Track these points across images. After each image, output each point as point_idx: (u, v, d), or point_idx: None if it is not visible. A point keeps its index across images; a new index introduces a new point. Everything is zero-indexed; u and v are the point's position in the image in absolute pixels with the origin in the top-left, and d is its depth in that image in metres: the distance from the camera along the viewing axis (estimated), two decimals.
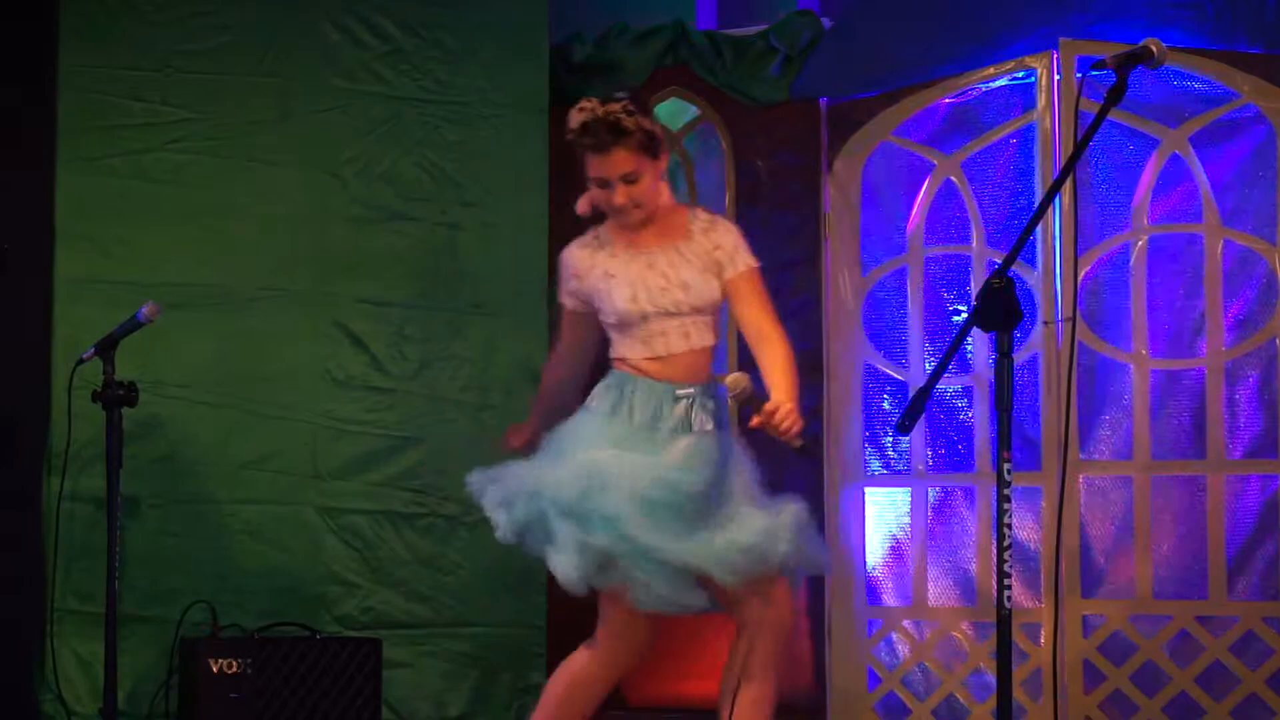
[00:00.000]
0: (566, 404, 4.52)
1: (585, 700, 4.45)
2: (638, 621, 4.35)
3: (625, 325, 4.39)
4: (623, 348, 4.42)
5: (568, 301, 4.53)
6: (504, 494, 4.32)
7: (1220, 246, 5.68)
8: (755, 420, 4.12)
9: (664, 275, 4.36)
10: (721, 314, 4.49)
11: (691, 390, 4.34)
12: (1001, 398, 3.29)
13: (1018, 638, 5.51)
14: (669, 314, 4.35)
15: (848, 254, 6.14)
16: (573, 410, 4.45)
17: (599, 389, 4.42)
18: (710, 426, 4.33)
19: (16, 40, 5.92)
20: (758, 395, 4.14)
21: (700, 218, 4.45)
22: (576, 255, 4.49)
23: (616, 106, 4.29)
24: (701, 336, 4.39)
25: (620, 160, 4.30)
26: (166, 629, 5.79)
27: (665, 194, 4.43)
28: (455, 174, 6.29)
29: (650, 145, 4.33)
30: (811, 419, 6.14)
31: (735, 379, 4.13)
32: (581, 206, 4.47)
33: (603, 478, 4.19)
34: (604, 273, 4.41)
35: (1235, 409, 5.67)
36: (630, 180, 4.31)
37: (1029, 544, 5.78)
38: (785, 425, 4.11)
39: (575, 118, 4.32)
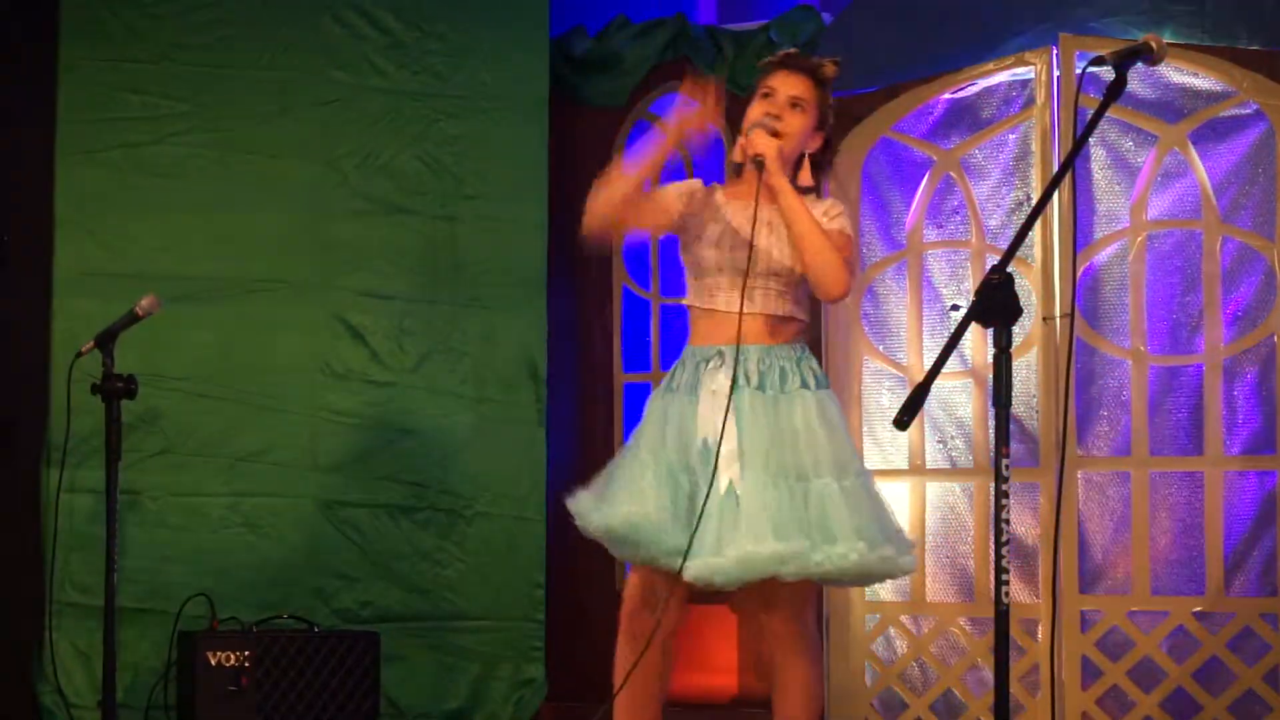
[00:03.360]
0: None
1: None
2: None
3: (698, 270, 4.27)
4: (689, 293, 4.32)
5: (671, 188, 4.35)
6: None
7: (1219, 243, 5.67)
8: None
9: (753, 232, 4.18)
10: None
11: (721, 351, 4.20)
12: (1000, 393, 3.28)
13: (1015, 633, 5.51)
14: (739, 271, 4.18)
15: None
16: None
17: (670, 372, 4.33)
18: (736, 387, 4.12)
19: (16, 32, 5.93)
20: None
21: (820, 202, 4.29)
22: (705, 185, 4.37)
23: (830, 60, 4.31)
24: (768, 304, 4.21)
25: (799, 84, 4.26)
26: (165, 622, 5.80)
27: (805, 175, 4.29)
28: (455, 167, 6.29)
29: (824, 110, 4.29)
30: None
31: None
32: (737, 152, 4.29)
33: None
34: (715, 208, 4.29)
35: (1233, 405, 5.67)
36: (793, 105, 4.24)
37: (1027, 540, 5.78)
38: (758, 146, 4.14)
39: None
